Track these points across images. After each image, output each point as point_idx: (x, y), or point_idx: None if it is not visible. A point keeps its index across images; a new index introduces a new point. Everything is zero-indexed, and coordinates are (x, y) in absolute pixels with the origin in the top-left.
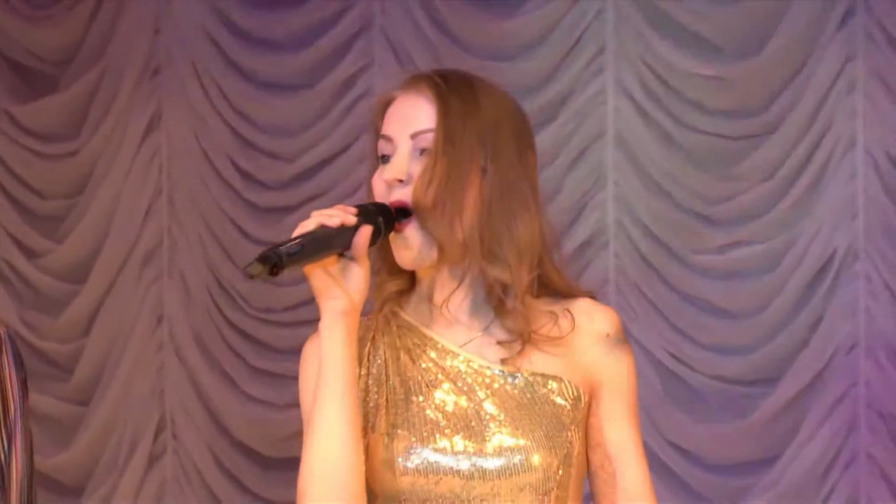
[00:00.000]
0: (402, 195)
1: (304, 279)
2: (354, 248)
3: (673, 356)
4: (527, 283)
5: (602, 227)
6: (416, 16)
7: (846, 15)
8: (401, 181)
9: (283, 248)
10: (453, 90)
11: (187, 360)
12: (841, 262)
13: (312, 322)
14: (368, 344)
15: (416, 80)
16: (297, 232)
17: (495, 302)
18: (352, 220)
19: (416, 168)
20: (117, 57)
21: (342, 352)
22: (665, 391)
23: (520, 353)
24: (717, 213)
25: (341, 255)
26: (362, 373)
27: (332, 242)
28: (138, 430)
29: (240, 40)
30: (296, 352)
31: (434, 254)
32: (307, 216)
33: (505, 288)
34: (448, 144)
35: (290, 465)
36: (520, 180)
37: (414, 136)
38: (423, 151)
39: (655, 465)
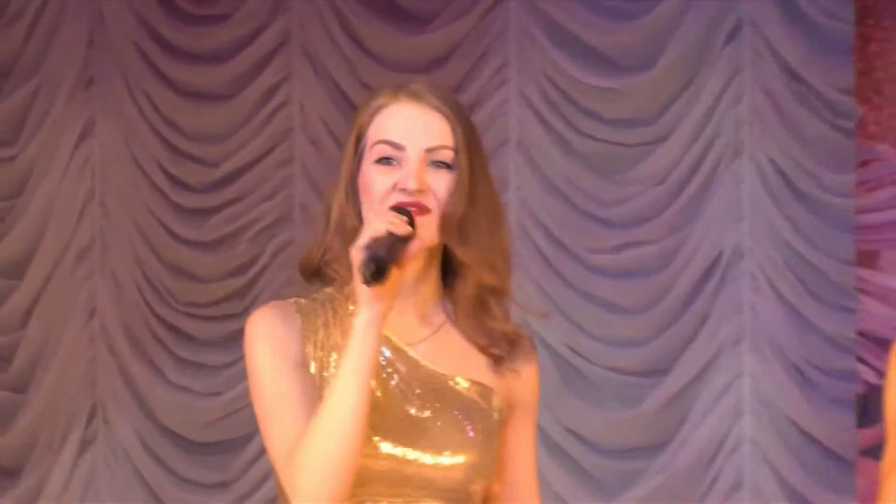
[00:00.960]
0: (425, 201)
1: (225, 276)
2: (407, 258)
3: (571, 349)
4: (510, 291)
5: None
6: (332, 31)
7: (733, 31)
8: (422, 191)
9: (386, 259)
10: (458, 108)
11: (117, 352)
12: (728, 261)
13: (234, 316)
14: (321, 326)
15: (421, 93)
16: (371, 236)
17: (478, 308)
18: (409, 229)
19: (432, 178)
20: (53, 69)
21: (374, 349)
22: (563, 382)
23: (475, 361)
24: (612, 216)
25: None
26: (317, 353)
27: (398, 250)
28: (72, 416)
29: (168, 53)
30: (219, 343)
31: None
32: (230, 217)
33: (496, 293)
34: (470, 165)
35: (213, 449)
36: (497, 196)
37: (430, 150)
38: (438, 164)
39: (554, 450)
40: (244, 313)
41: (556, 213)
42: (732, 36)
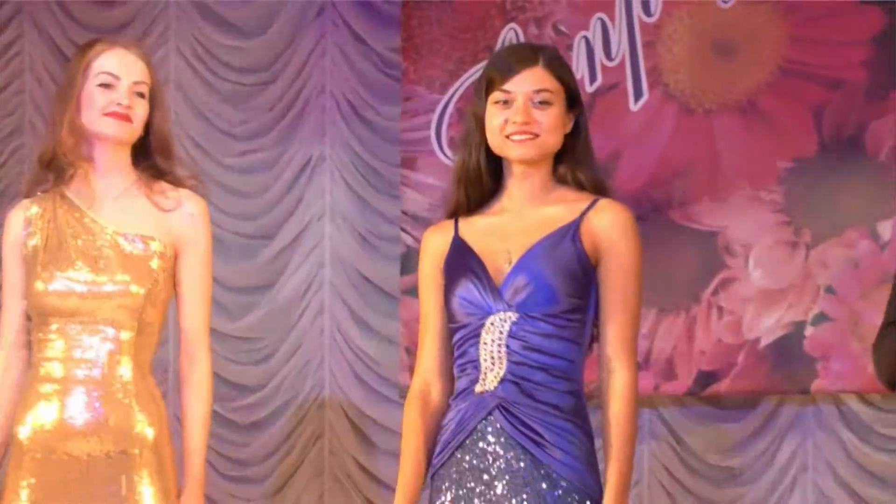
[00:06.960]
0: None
1: None
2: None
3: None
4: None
5: None
6: (51, 4)
7: (320, 9)
8: (128, 115)
9: None
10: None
11: None
12: (315, 162)
13: None
14: (41, 210)
15: (126, 41)
16: None
17: (148, 184)
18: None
19: (139, 107)
20: None
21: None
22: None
23: (140, 218)
24: (239, 132)
25: None
26: (32, 229)
27: None
28: None
29: None
30: None
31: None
32: None
33: (162, 173)
34: (156, 92)
35: None
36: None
37: (136, 83)
38: (140, 95)
39: None
40: None
41: (201, 130)
42: (319, 13)
